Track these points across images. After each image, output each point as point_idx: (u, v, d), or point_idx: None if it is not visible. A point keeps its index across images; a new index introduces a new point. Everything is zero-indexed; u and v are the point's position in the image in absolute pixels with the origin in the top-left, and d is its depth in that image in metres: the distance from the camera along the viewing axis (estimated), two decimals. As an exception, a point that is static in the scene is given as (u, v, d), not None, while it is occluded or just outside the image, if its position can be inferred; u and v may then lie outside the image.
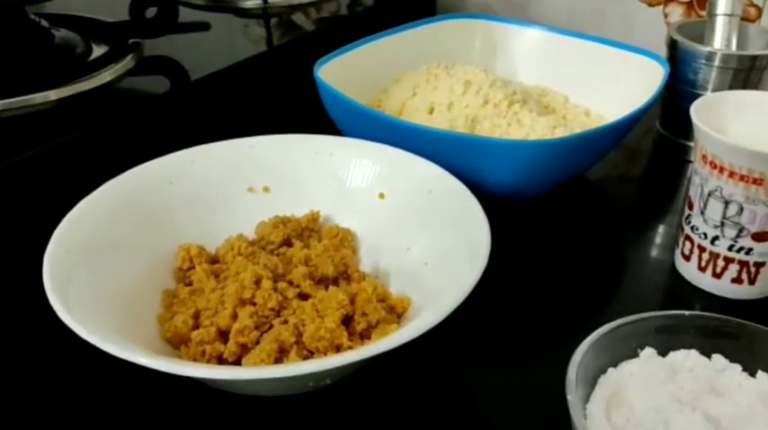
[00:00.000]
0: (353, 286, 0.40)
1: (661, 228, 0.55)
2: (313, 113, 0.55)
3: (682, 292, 0.47)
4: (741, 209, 0.42)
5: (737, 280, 0.45)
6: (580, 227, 0.54)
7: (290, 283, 0.40)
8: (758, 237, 0.43)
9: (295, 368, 0.31)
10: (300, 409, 0.37)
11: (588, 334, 0.35)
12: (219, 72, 0.59)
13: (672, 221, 0.55)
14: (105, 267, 0.39)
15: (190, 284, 0.42)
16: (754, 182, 0.41)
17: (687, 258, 0.46)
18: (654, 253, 0.52)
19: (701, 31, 0.61)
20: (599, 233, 0.53)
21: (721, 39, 0.59)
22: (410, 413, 0.38)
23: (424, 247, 0.43)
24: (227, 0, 0.74)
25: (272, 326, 0.38)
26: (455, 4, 0.86)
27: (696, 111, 0.44)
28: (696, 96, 0.58)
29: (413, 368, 0.40)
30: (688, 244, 0.46)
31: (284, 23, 0.70)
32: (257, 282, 0.39)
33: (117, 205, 0.42)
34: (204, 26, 0.71)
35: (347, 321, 0.38)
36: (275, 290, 0.38)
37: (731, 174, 0.41)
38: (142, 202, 0.43)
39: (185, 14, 0.71)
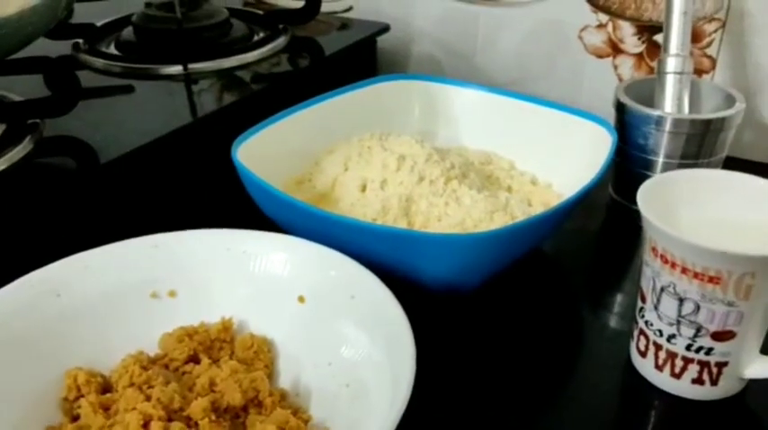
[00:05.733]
0: (258, 427, 0.34)
1: (617, 306, 0.50)
2: (243, 195, 0.49)
3: (639, 389, 0.42)
4: (698, 307, 0.38)
5: (698, 381, 0.40)
6: (531, 308, 0.49)
7: (189, 420, 0.35)
8: (718, 336, 0.38)
9: None
10: None
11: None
12: (134, 152, 0.54)
13: (630, 293, 0.50)
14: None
15: (77, 419, 0.37)
16: (710, 280, 0.36)
17: (643, 354, 0.42)
18: (610, 336, 0.47)
19: (652, 89, 0.57)
20: (551, 313, 0.49)
21: (672, 99, 0.55)
22: None
23: (345, 365, 0.38)
24: (145, 67, 0.68)
25: (162, 479, 0.32)
26: (397, 60, 0.81)
27: (644, 196, 0.39)
28: (648, 162, 0.55)
29: None
30: (643, 339, 0.42)
31: (210, 91, 0.65)
32: (146, 424, 0.33)
33: (-13, 332, 0.36)
34: (128, 89, 0.66)
35: (252, 467, 0.33)
36: (168, 432, 0.33)
37: (684, 271, 0.37)
38: (21, 323, 0.38)
39: (104, 82, 0.66)
